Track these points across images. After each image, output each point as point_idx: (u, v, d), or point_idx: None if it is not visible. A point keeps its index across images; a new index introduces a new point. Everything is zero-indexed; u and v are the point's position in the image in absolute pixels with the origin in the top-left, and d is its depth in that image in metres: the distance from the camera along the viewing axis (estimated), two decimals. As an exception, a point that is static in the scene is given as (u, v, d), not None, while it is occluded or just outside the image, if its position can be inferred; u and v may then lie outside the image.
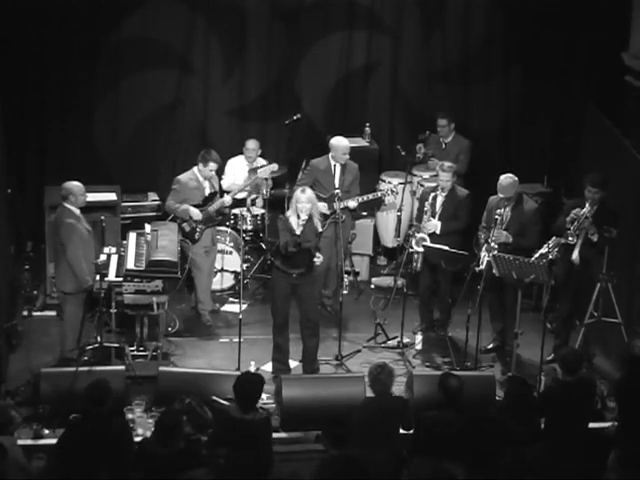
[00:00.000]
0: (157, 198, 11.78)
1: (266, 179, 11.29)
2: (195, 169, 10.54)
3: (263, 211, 11.57)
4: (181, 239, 10.37)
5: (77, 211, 9.57)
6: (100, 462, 7.26)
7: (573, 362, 8.11)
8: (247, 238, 11.43)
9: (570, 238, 9.65)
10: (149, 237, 9.93)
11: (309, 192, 9.53)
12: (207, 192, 10.59)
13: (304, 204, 9.40)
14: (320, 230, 9.59)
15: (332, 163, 10.80)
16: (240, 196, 11.30)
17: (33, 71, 11.69)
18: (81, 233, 9.48)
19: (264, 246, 11.53)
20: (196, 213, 10.48)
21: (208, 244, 10.70)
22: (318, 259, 9.54)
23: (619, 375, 8.51)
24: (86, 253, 9.49)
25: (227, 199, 10.72)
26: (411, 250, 10.50)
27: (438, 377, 7.99)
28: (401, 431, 8.02)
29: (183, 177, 10.57)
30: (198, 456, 7.41)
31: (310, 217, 9.46)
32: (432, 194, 10.36)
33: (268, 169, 11.25)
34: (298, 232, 9.38)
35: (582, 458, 7.84)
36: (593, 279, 9.91)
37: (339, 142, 10.79)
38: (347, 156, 10.75)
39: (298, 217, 9.43)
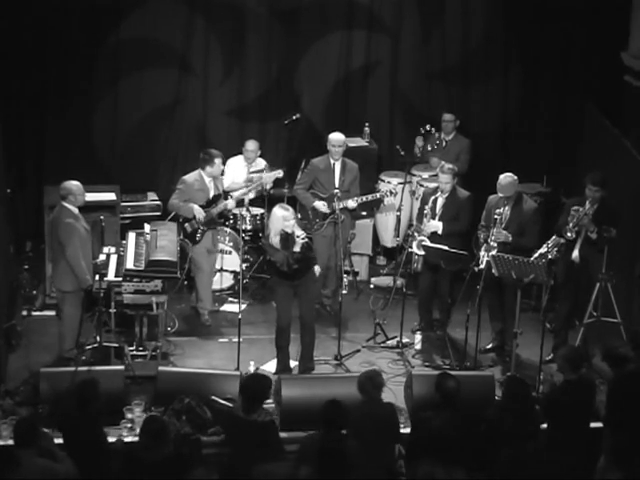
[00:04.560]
0: (156, 198, 11.77)
1: (265, 178, 11.33)
2: (200, 171, 10.53)
3: (262, 211, 11.57)
4: (181, 239, 10.38)
5: (76, 210, 9.55)
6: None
7: (576, 359, 8.10)
8: (246, 238, 11.42)
9: (569, 234, 9.65)
10: (148, 237, 9.93)
11: (288, 207, 9.52)
12: (211, 194, 10.58)
13: (291, 221, 9.39)
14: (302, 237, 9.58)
15: (332, 162, 10.79)
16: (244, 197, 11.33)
17: (32, 71, 11.68)
18: (80, 233, 9.48)
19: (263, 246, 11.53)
20: (199, 211, 10.46)
21: (209, 246, 10.68)
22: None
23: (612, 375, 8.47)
24: (84, 252, 9.48)
25: (231, 203, 10.71)
26: (410, 250, 10.50)
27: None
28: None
29: (188, 177, 10.55)
30: (196, 456, 7.38)
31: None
32: (432, 196, 10.33)
33: (273, 175, 11.26)
34: (298, 249, 9.39)
35: (584, 457, 7.83)
36: (592, 279, 9.91)
37: (333, 135, 10.78)
38: (337, 149, 10.68)
39: (288, 234, 9.37)
